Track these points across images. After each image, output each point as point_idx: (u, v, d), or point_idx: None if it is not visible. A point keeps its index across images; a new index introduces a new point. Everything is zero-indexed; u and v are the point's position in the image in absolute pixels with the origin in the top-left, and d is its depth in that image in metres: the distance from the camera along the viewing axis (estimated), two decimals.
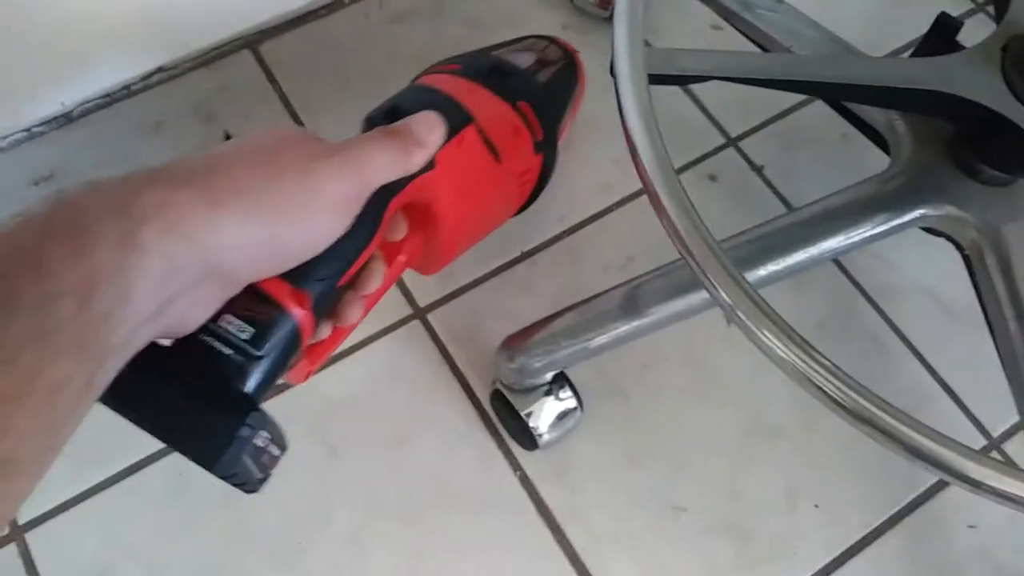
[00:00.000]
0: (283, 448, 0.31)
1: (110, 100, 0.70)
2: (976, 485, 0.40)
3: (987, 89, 0.50)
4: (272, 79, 0.73)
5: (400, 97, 0.43)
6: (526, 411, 0.58)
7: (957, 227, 0.56)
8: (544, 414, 0.58)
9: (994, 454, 0.62)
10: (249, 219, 0.28)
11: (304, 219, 0.29)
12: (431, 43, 0.75)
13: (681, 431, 0.62)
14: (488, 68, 0.52)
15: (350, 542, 0.57)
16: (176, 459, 0.59)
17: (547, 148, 0.53)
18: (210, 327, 0.29)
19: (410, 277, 0.66)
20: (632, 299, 0.57)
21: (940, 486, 0.61)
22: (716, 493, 0.60)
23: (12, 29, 0.61)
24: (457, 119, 0.41)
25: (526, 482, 0.60)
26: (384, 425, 0.61)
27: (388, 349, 0.63)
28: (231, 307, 0.29)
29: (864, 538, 0.59)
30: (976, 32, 0.53)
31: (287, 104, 0.72)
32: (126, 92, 0.71)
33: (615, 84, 0.46)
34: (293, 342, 0.31)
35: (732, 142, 0.73)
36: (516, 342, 0.56)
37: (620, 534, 0.59)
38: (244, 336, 0.29)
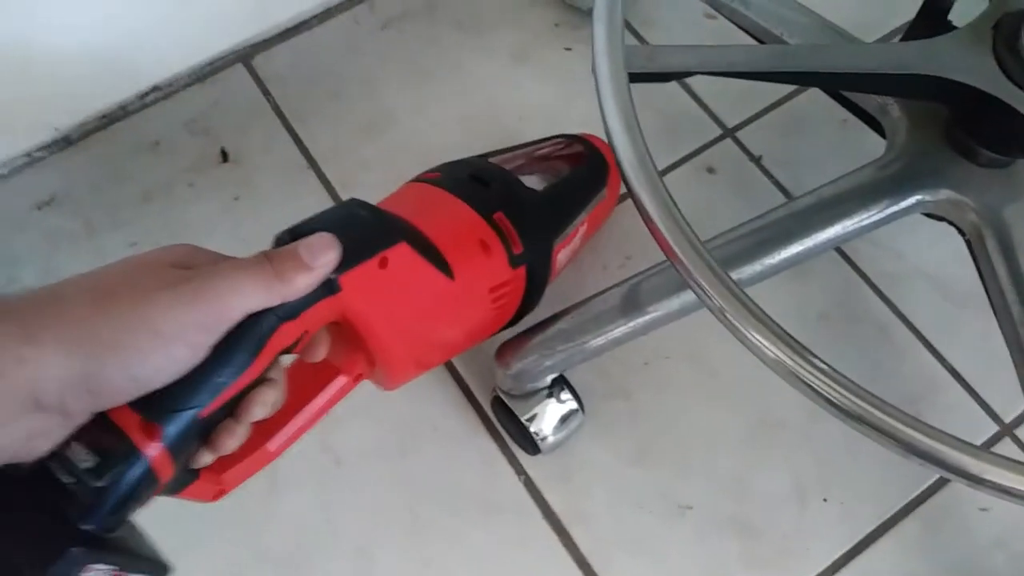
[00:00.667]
0: (151, 572, 0.31)
1: (107, 121, 0.71)
2: (976, 480, 0.40)
3: (979, 70, 0.48)
4: (266, 92, 0.73)
5: (319, 216, 0.39)
6: (527, 416, 0.57)
7: (957, 211, 0.54)
8: (546, 418, 0.58)
9: (1006, 440, 0.61)
10: (66, 353, 0.27)
11: (134, 352, 0.29)
12: (422, 47, 0.75)
13: (685, 429, 0.61)
14: (466, 177, 0.51)
15: (357, 552, 0.58)
16: None
17: (531, 259, 0.51)
18: (57, 452, 0.29)
19: None
20: (630, 298, 0.56)
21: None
22: (723, 490, 0.60)
23: (9, 56, 0.62)
24: (380, 239, 0.38)
25: (531, 486, 0.60)
26: (388, 435, 0.61)
27: None
28: (81, 435, 0.29)
29: (876, 530, 0.58)
30: (970, 9, 0.52)
31: (281, 116, 0.72)
32: (123, 112, 0.72)
33: (596, 84, 0.46)
34: (143, 474, 0.30)
35: (729, 133, 0.72)
36: (512, 348, 0.56)
37: (627, 535, 0.58)
38: (86, 465, 0.29)
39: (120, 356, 0.29)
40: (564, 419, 0.59)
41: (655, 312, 0.55)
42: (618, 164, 0.44)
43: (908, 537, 0.58)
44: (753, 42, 0.62)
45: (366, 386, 0.62)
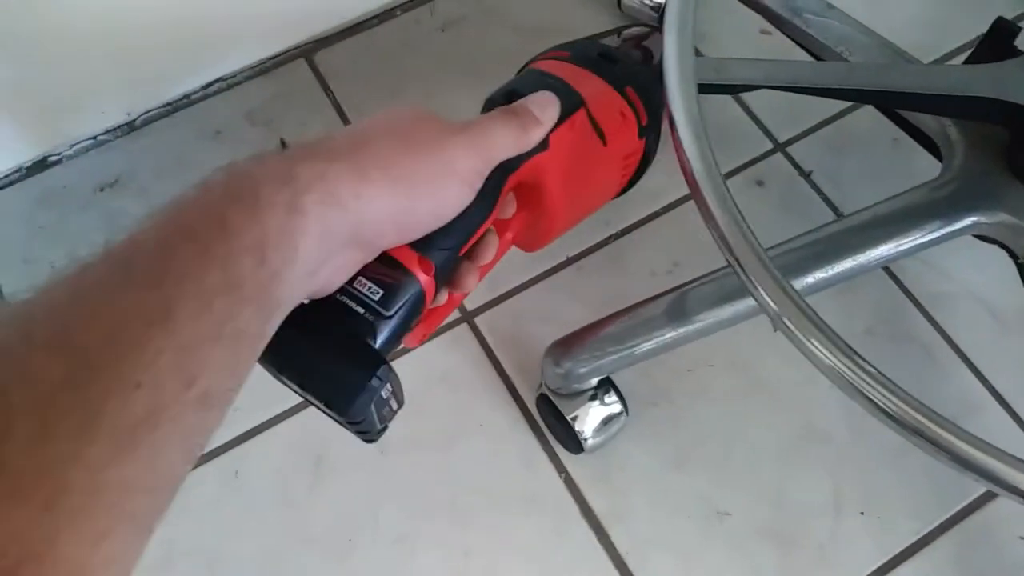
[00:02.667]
0: (401, 403, 0.34)
1: (172, 109, 0.73)
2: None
3: None
4: (326, 87, 0.75)
5: (517, 81, 0.44)
6: (572, 415, 0.58)
7: (1011, 235, 0.55)
8: (590, 418, 0.59)
9: None
10: (392, 191, 0.30)
11: (438, 191, 0.32)
12: (480, 50, 0.76)
13: (726, 436, 0.62)
14: (596, 55, 0.53)
15: (398, 541, 0.59)
16: (231, 458, 0.61)
17: (651, 133, 0.53)
18: (346, 288, 0.32)
19: None
20: (679, 306, 0.57)
21: (989, 496, 0.60)
22: (761, 498, 0.60)
23: (83, 42, 0.64)
24: (569, 102, 0.42)
25: (571, 485, 0.61)
26: (432, 426, 0.62)
27: (436, 352, 0.65)
28: (364, 271, 0.32)
29: (910, 547, 0.59)
30: None
31: (340, 111, 0.74)
32: (187, 101, 0.73)
33: (665, 94, 0.47)
34: (417, 305, 0.34)
35: (780, 147, 0.73)
36: (562, 347, 0.57)
37: (664, 537, 0.59)
38: (375, 297, 0.32)
39: (431, 193, 0.32)
40: (608, 421, 0.60)
41: (705, 320, 0.55)
42: (685, 172, 0.45)
43: (942, 556, 0.59)
44: (810, 59, 0.63)
45: (410, 378, 0.64)
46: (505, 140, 0.35)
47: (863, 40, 0.61)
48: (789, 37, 0.64)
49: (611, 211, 0.70)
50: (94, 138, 0.72)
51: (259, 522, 0.59)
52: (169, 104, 0.73)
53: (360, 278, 0.32)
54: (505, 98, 0.39)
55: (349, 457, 0.61)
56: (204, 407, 0.24)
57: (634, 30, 0.62)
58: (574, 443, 0.59)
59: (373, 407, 0.32)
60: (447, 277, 0.36)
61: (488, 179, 0.35)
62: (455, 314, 0.66)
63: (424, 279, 0.33)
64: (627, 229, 0.69)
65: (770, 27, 0.69)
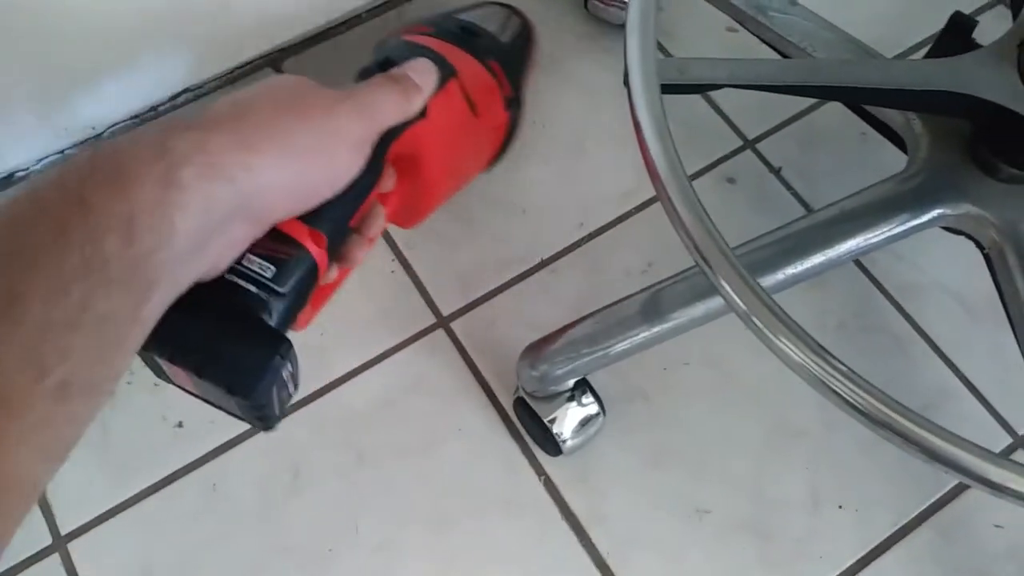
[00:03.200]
0: (297, 386, 0.33)
1: (139, 121, 0.72)
2: (995, 487, 0.40)
3: (1004, 88, 0.49)
4: None
5: (389, 49, 0.43)
6: (549, 418, 0.58)
7: (977, 226, 0.55)
8: (567, 420, 0.59)
9: (1019, 452, 0.62)
10: (281, 160, 0.29)
11: (330, 159, 0.31)
12: None
13: (704, 433, 0.62)
14: (458, 29, 0.53)
15: (379, 549, 0.59)
16: (209, 471, 0.61)
17: (515, 106, 0.54)
18: (235, 267, 0.30)
19: (433, 286, 0.67)
20: (652, 305, 0.57)
21: (964, 486, 0.60)
22: (740, 494, 0.60)
23: (47, 55, 0.63)
24: (443, 72, 0.41)
25: (550, 487, 0.61)
26: (410, 433, 0.62)
27: (412, 358, 0.65)
28: (253, 247, 0.31)
29: (889, 538, 0.59)
30: (994, 27, 0.53)
31: None
32: (153, 113, 0.73)
33: (628, 95, 0.47)
34: (311, 280, 0.33)
35: (749, 144, 0.73)
36: (537, 350, 0.57)
37: (644, 537, 0.59)
38: (267, 275, 0.31)
39: (324, 162, 0.31)
40: (585, 422, 0.60)
41: (679, 318, 0.56)
42: (651, 173, 0.45)
43: (920, 546, 0.59)
44: (775, 56, 0.63)
45: (387, 385, 0.64)
46: (390, 106, 0.34)
47: (826, 36, 0.61)
48: (754, 34, 0.64)
49: (583, 212, 0.70)
50: (61, 152, 0.71)
51: (238, 534, 0.59)
52: (136, 116, 0.72)
53: (249, 255, 0.31)
54: (380, 67, 0.38)
55: (327, 466, 0.61)
56: (63, 399, 0.23)
57: (490, 7, 0.62)
58: (552, 445, 0.59)
59: (275, 389, 0.30)
60: (338, 250, 0.35)
61: (374, 148, 0.34)
62: (430, 320, 0.66)
63: (317, 252, 0.32)
64: (600, 229, 0.69)
65: (736, 24, 0.69)
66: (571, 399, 0.59)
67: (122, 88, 0.70)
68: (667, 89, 0.48)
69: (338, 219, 0.33)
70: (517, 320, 0.65)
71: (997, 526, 0.59)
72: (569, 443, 0.59)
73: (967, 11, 0.70)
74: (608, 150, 0.72)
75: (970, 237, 0.57)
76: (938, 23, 0.56)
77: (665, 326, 0.56)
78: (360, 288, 0.67)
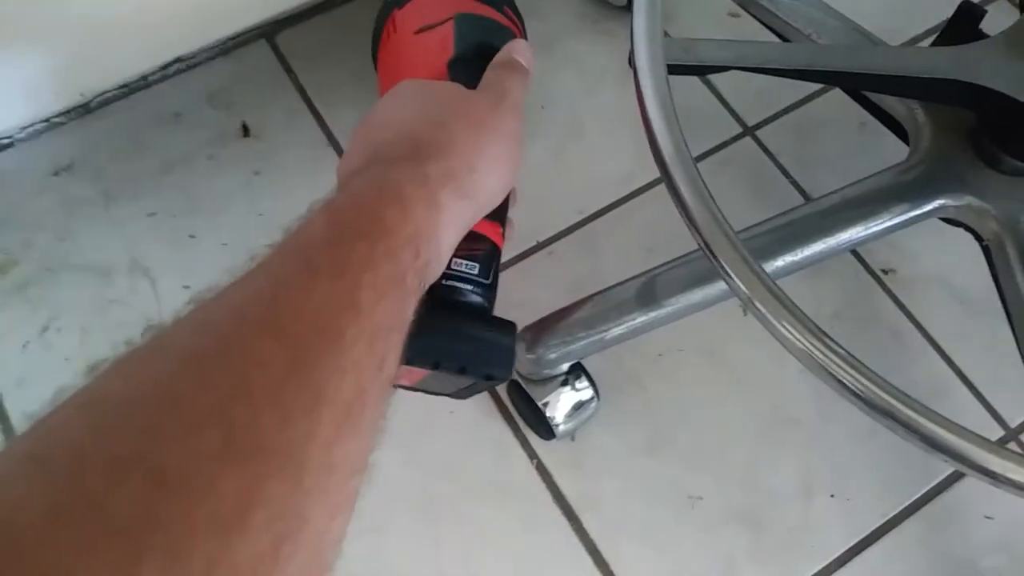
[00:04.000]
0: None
1: (128, 91, 0.71)
2: (994, 477, 0.40)
3: (1010, 78, 0.49)
4: (288, 68, 0.73)
5: (469, 35, 0.44)
6: (543, 401, 0.58)
7: (977, 218, 0.55)
8: (561, 404, 0.58)
9: (1012, 445, 0.62)
10: (491, 171, 0.33)
11: (512, 161, 0.35)
12: None
13: (697, 421, 0.62)
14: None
15: (370, 531, 0.58)
16: None
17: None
18: (448, 272, 0.35)
19: None
20: (649, 290, 0.57)
21: (956, 477, 0.60)
22: (732, 483, 0.60)
23: (32, 21, 0.61)
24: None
25: (543, 472, 0.60)
26: (402, 416, 0.61)
27: None
28: (458, 251, 0.34)
29: (879, 528, 0.59)
30: (1001, 18, 0.53)
31: (303, 93, 0.72)
32: (144, 83, 0.71)
33: (634, 74, 0.46)
34: (498, 263, 0.38)
35: (749, 131, 0.72)
36: (532, 333, 0.56)
37: (636, 523, 0.59)
38: (474, 272, 0.35)
39: (510, 166, 0.35)
40: (579, 406, 0.59)
41: (676, 304, 0.55)
42: (655, 153, 0.45)
43: (911, 536, 0.59)
44: (778, 41, 0.63)
45: None
46: (522, 94, 0.38)
47: (831, 23, 0.61)
48: (758, 19, 0.64)
49: (582, 196, 0.69)
50: (47, 120, 0.69)
51: None
52: (125, 86, 0.71)
53: (455, 259, 0.34)
54: (478, 53, 0.40)
55: None
56: (388, 389, 0.27)
57: None
58: (545, 429, 0.59)
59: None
60: (505, 227, 0.39)
61: None
62: None
63: (498, 240, 0.37)
64: (598, 213, 0.68)
65: (738, 9, 0.68)
66: (565, 383, 0.58)
67: (111, 56, 0.68)
68: (672, 70, 0.47)
69: (502, 204, 0.37)
70: (512, 302, 0.64)
71: (987, 517, 0.60)
72: (562, 427, 0.59)
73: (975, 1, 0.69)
74: (608, 133, 0.71)
75: (969, 229, 0.57)
76: (944, 13, 0.55)
77: (662, 311, 0.55)
78: None
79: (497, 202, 0.35)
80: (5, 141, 0.68)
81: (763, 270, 0.43)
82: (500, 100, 0.36)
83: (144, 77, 0.71)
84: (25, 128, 0.68)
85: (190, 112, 0.71)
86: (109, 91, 0.70)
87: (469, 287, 0.35)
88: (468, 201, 0.32)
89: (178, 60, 0.71)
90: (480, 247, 0.36)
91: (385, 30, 0.51)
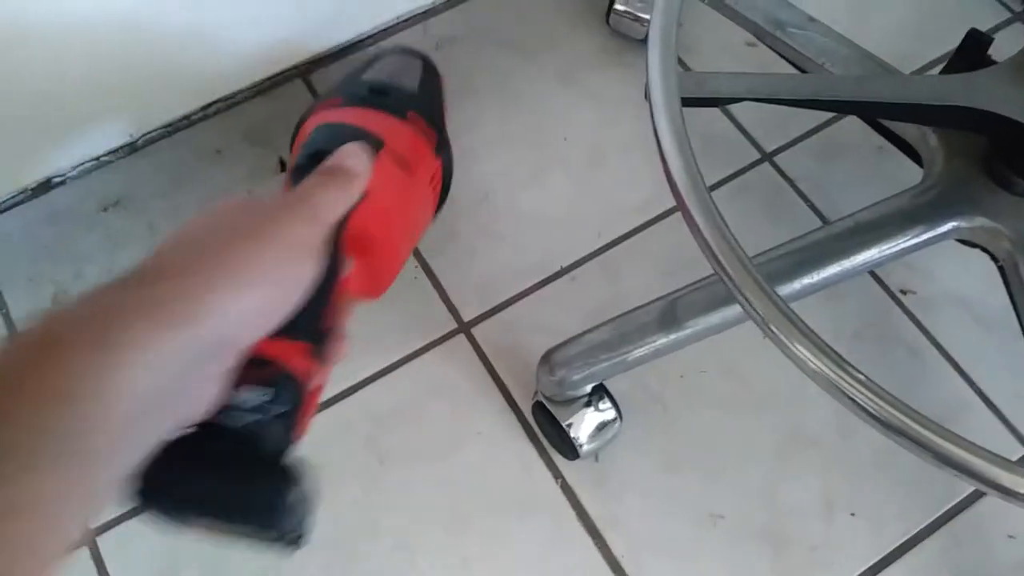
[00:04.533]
0: (310, 502, 0.32)
1: (173, 130, 0.75)
2: (1009, 493, 0.41)
3: (1018, 104, 0.51)
4: None
5: (313, 142, 0.45)
6: (567, 422, 0.60)
7: (991, 239, 0.56)
8: (584, 425, 0.60)
9: None
10: (241, 289, 0.28)
11: (289, 273, 0.31)
12: (473, 66, 0.78)
13: (719, 440, 0.63)
14: (367, 91, 0.54)
15: (398, 549, 0.60)
16: None
17: (444, 147, 0.55)
18: (229, 402, 0.30)
19: (454, 293, 0.69)
20: (670, 312, 0.59)
21: (977, 495, 0.61)
22: (754, 501, 0.61)
23: (85, 65, 0.65)
24: (372, 145, 0.43)
25: (567, 490, 0.62)
26: (430, 435, 0.64)
27: (434, 362, 0.66)
28: (241, 377, 0.30)
29: (901, 546, 0.60)
30: (1013, 41, 0.54)
31: None
32: (187, 122, 0.75)
33: (650, 108, 0.49)
34: (302, 391, 0.33)
35: (767, 157, 0.74)
36: (556, 355, 0.58)
37: (659, 541, 0.60)
38: (260, 401, 0.31)
39: (284, 277, 0.31)
40: (602, 427, 0.61)
41: (696, 326, 0.57)
42: (671, 184, 0.47)
43: (932, 555, 0.60)
44: (793, 70, 0.65)
45: (409, 388, 0.65)
46: (334, 201, 0.34)
47: (844, 52, 0.63)
48: (772, 49, 0.66)
49: (602, 222, 0.71)
50: (97, 159, 0.73)
51: None
52: (170, 125, 0.75)
53: (239, 386, 0.30)
54: (310, 160, 0.38)
55: (350, 467, 0.63)
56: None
57: (387, 58, 0.61)
58: (569, 449, 0.61)
59: (294, 514, 0.31)
60: (321, 352, 0.35)
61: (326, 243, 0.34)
62: (451, 325, 0.67)
63: (302, 363, 0.32)
64: (619, 239, 0.71)
65: (755, 40, 0.70)
66: (588, 404, 0.60)
67: (157, 98, 0.72)
68: (687, 102, 0.49)
69: (312, 322, 0.33)
70: (536, 326, 0.67)
71: (1010, 536, 0.60)
72: (586, 447, 0.60)
73: (983, 28, 0.71)
74: (628, 162, 0.73)
75: (985, 249, 0.58)
76: (955, 39, 0.57)
77: (682, 333, 0.57)
78: (384, 295, 0.68)
79: (267, 324, 0.30)
80: (58, 179, 0.73)
81: (776, 293, 0.44)
82: (290, 205, 0.32)
83: (187, 117, 0.75)
84: (76, 167, 0.73)
85: (230, 149, 0.74)
86: (154, 130, 0.74)
87: (252, 418, 0.30)
88: (182, 331, 0.26)
89: (218, 100, 0.75)
90: (272, 372, 0.31)
91: (298, 135, 0.54)
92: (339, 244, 0.36)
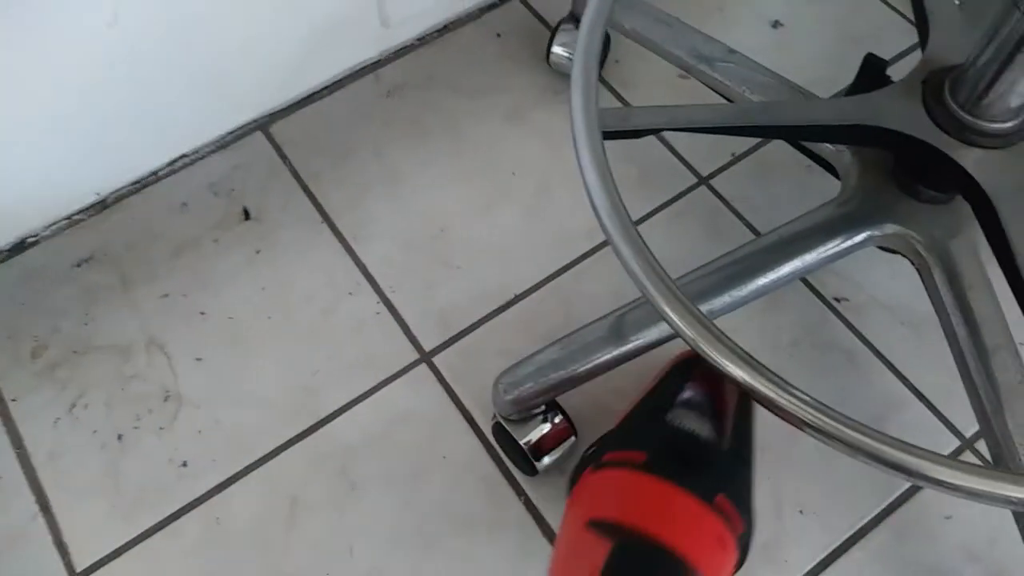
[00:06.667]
0: None
1: (140, 186, 0.79)
2: (938, 484, 0.44)
3: (911, 120, 0.55)
4: (283, 155, 0.80)
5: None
6: (524, 440, 0.63)
7: (905, 244, 0.61)
8: (540, 441, 0.63)
9: (967, 453, 0.66)
10: None
11: None
12: (423, 112, 0.83)
13: None
14: (677, 456, 0.47)
15: (372, 571, 0.63)
16: (211, 506, 0.65)
17: (746, 538, 0.48)
18: None
19: (415, 325, 0.72)
20: (613, 329, 0.62)
21: (916, 488, 0.65)
22: None
23: (53, 129, 0.69)
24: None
25: (530, 506, 0.65)
26: (398, 462, 0.67)
27: (398, 392, 0.69)
28: None
29: (848, 539, 0.63)
30: (906, 65, 0.58)
31: (297, 177, 0.79)
32: (154, 178, 0.79)
33: (573, 142, 0.53)
34: None
35: (703, 180, 0.79)
36: (508, 376, 0.62)
37: None
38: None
39: None
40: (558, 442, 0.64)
41: (638, 341, 0.61)
42: (595, 214, 0.51)
43: (879, 545, 0.63)
44: (720, 99, 0.70)
45: (376, 418, 0.68)
46: None
47: (762, 80, 0.68)
48: (700, 81, 0.71)
49: (553, 250, 0.75)
50: (68, 218, 0.77)
51: (241, 562, 0.63)
52: (138, 181, 0.78)
53: None
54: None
55: (322, 496, 0.66)
56: None
57: (693, 385, 0.53)
58: (528, 465, 0.64)
59: None
60: None
61: None
62: (414, 356, 0.71)
63: None
64: (569, 264, 0.74)
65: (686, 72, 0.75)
66: (544, 420, 0.63)
67: (124, 157, 0.76)
68: (610, 135, 0.54)
69: None
70: (494, 351, 0.70)
71: (947, 517, 0.63)
72: (544, 462, 0.63)
73: (897, 50, 0.76)
74: (573, 192, 0.77)
75: (903, 254, 0.62)
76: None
77: (625, 348, 0.61)
78: (349, 331, 0.72)
79: None
80: (31, 239, 0.76)
81: (699, 311, 0.48)
82: None
83: (154, 172, 0.79)
84: (49, 226, 0.76)
85: (196, 201, 0.78)
86: (123, 187, 0.78)
87: None
88: None
89: (183, 155, 0.79)
90: None
91: (580, 479, 0.51)
92: None
